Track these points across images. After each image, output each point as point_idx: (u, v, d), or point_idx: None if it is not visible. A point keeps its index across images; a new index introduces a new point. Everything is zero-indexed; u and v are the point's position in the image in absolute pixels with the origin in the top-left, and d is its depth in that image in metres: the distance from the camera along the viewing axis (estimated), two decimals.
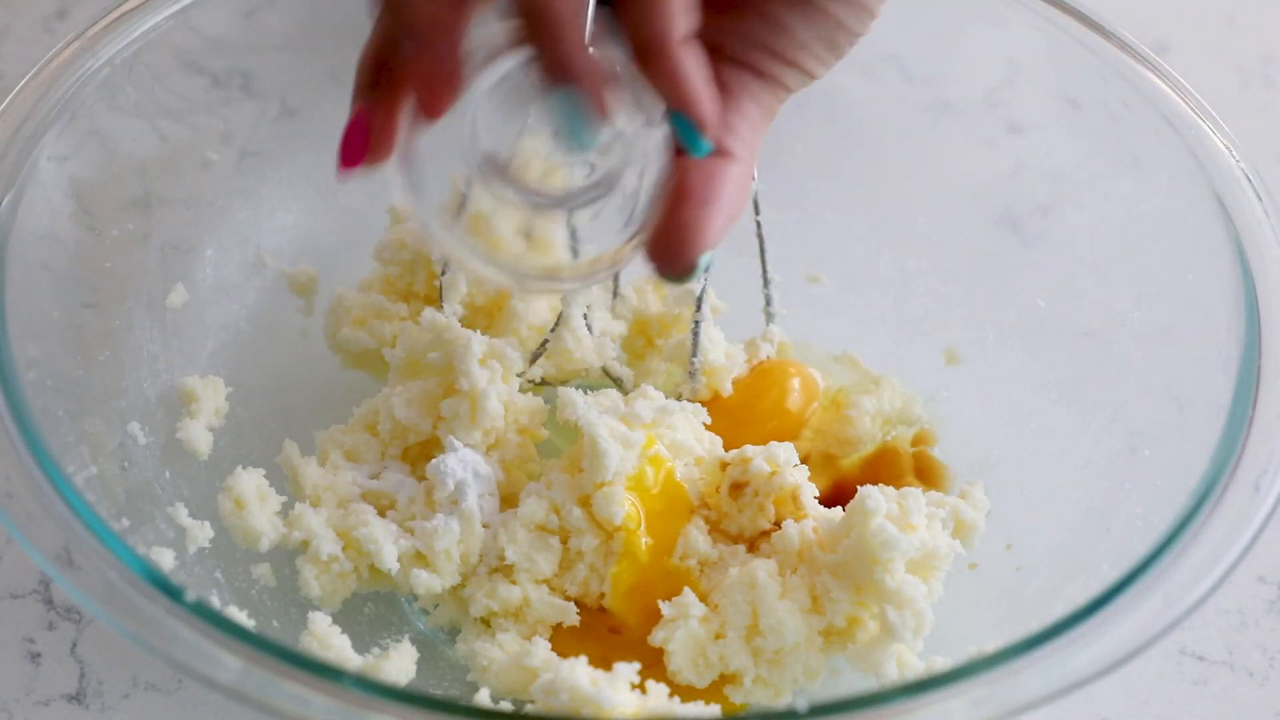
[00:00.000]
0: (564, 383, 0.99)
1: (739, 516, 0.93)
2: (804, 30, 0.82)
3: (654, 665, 0.88)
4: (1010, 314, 1.03)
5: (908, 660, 0.87)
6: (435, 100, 0.78)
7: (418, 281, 1.02)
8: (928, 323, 1.05)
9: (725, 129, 0.81)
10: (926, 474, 0.99)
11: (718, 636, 0.89)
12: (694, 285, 0.98)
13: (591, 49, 0.98)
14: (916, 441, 1.01)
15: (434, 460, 0.93)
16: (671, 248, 0.80)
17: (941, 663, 0.86)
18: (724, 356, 0.99)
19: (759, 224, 1.00)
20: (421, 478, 0.95)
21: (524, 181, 0.83)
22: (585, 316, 0.99)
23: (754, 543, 0.93)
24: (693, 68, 0.78)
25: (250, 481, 0.92)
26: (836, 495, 0.98)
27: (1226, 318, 0.90)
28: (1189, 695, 0.95)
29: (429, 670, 0.90)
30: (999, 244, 1.07)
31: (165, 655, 0.76)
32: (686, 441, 0.94)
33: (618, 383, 1.01)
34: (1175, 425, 0.92)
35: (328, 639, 0.87)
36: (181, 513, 0.90)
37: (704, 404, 0.98)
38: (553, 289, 0.92)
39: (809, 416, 1.01)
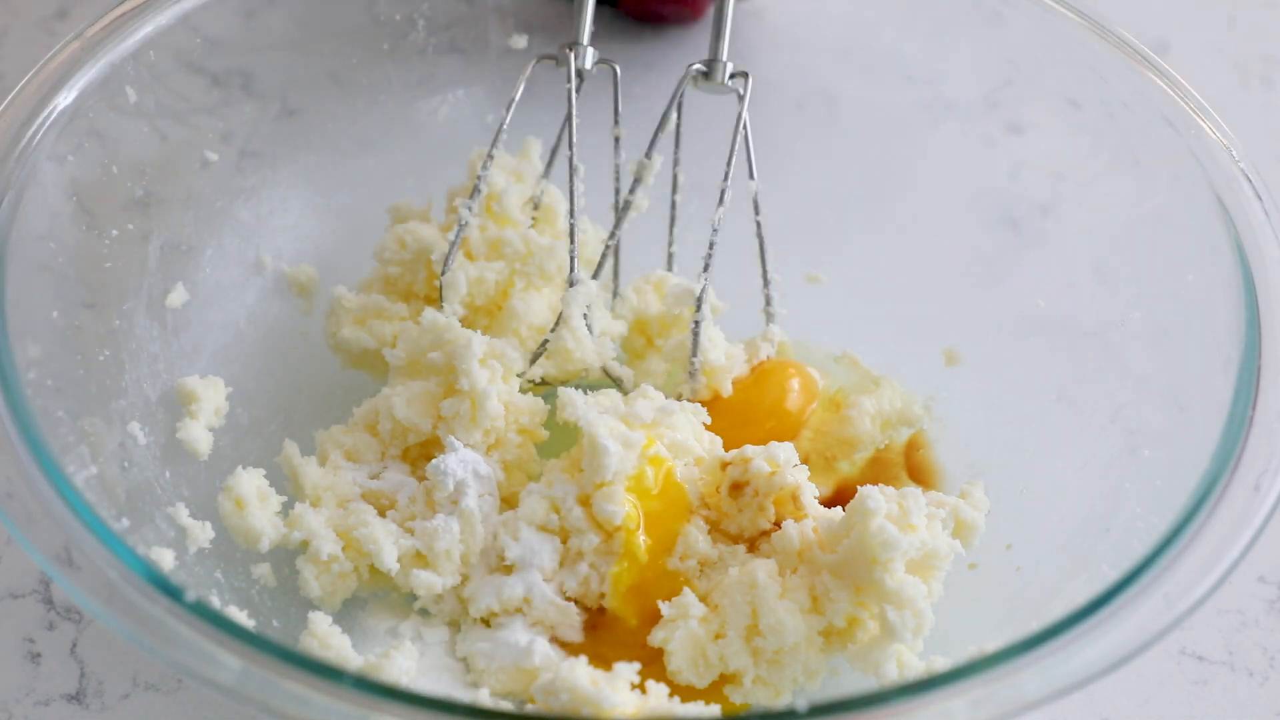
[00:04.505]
0: (564, 383, 0.99)
1: (739, 516, 0.93)
2: None
3: (654, 665, 0.88)
4: (1010, 314, 1.03)
5: (908, 660, 0.87)
6: None
7: (418, 281, 1.02)
8: (928, 323, 1.05)
9: None
10: (921, 479, 0.99)
11: (717, 636, 0.89)
12: (694, 285, 0.98)
13: (589, 48, 0.99)
14: (911, 446, 1.01)
15: (434, 460, 0.93)
16: None
17: (941, 663, 0.86)
18: (724, 356, 0.99)
19: (759, 224, 1.00)
20: (421, 478, 0.95)
21: None
22: (585, 316, 0.99)
23: (754, 543, 0.93)
24: None
25: (250, 481, 0.92)
26: (835, 498, 0.98)
27: (1226, 318, 0.90)
28: (1189, 695, 0.95)
29: (429, 670, 0.90)
30: (999, 244, 1.07)
31: (165, 655, 0.76)
32: (686, 441, 0.94)
33: (618, 383, 1.01)
34: (1175, 425, 0.92)
35: (328, 639, 0.87)
36: (181, 513, 0.90)
37: (704, 404, 0.98)
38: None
39: (809, 416, 1.01)
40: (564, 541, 0.92)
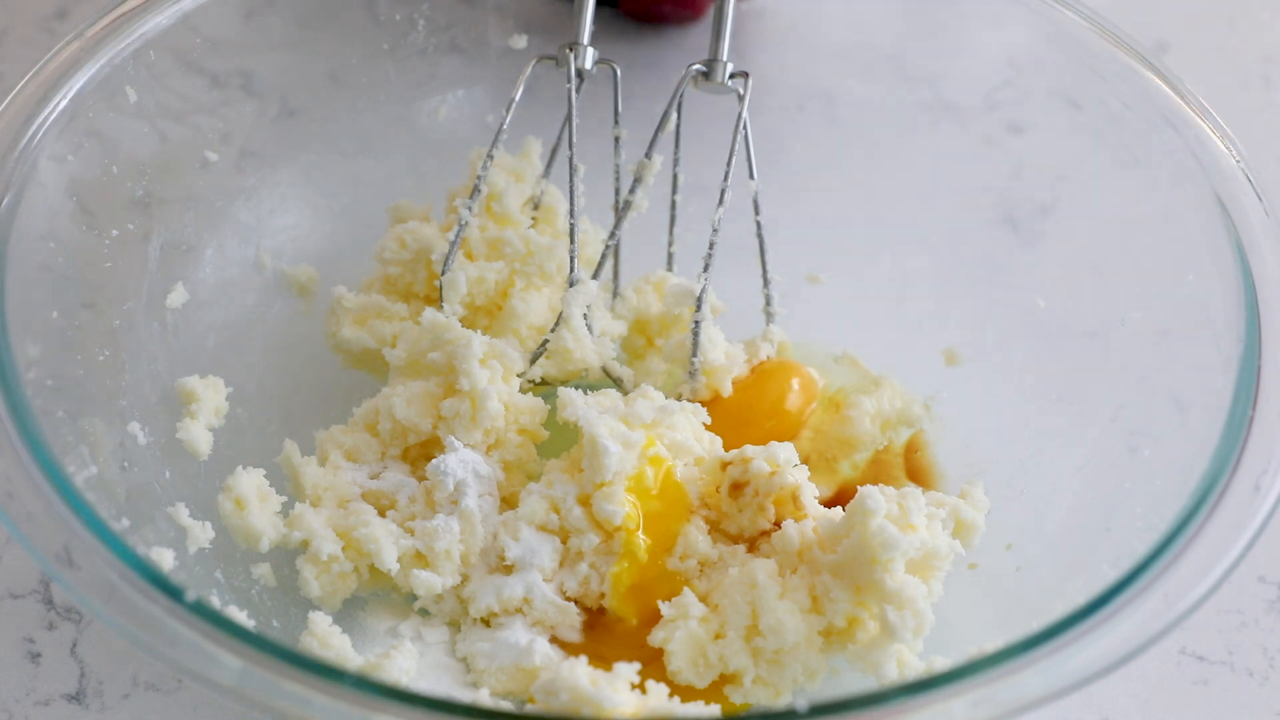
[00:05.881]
0: (564, 383, 0.99)
1: (739, 516, 0.93)
2: None
3: (654, 665, 0.88)
4: (1010, 314, 1.03)
5: (908, 660, 0.87)
6: None
7: (418, 281, 1.02)
8: (928, 323, 1.05)
9: None
10: (920, 481, 0.99)
11: (717, 636, 0.88)
12: (694, 285, 0.98)
13: (589, 48, 0.99)
14: (910, 448, 1.01)
15: (434, 460, 0.93)
16: None
17: (941, 663, 0.86)
18: (724, 356, 0.99)
19: (759, 224, 1.00)
20: (421, 478, 0.95)
21: None
22: (585, 316, 0.99)
23: (754, 543, 0.93)
24: None
25: (250, 481, 0.92)
26: (834, 499, 0.98)
27: (1226, 318, 0.90)
28: (1189, 695, 0.95)
29: (429, 670, 0.90)
30: (999, 244, 1.07)
31: (165, 655, 0.76)
32: (686, 441, 0.94)
33: (618, 383, 1.01)
34: (1175, 425, 0.92)
35: (328, 639, 0.87)
36: (181, 513, 0.90)
37: (704, 404, 0.98)
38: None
39: (808, 417, 1.00)
40: (564, 541, 0.92)
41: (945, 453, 1.00)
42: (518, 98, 0.99)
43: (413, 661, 0.88)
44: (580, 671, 0.83)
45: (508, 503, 0.94)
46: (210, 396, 0.95)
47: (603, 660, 0.86)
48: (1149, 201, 1.00)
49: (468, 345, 0.94)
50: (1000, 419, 1.00)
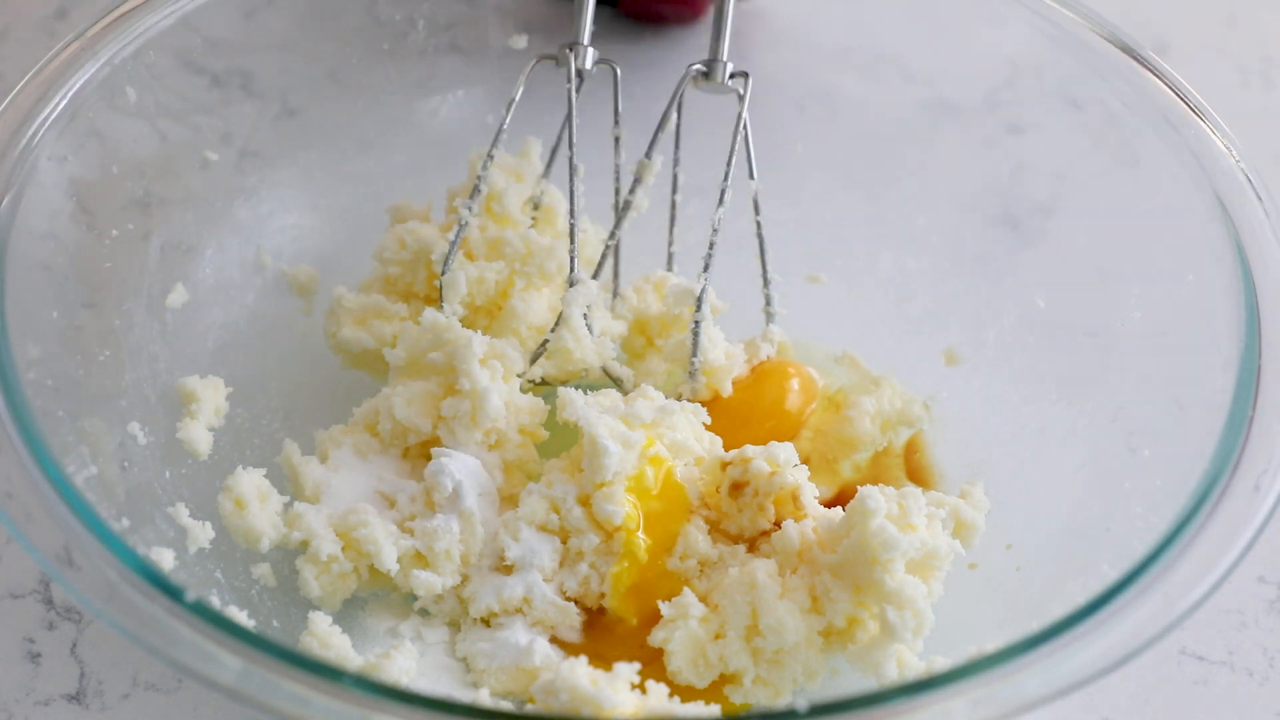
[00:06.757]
0: (564, 383, 0.99)
1: (739, 516, 0.93)
2: None
3: (654, 665, 0.88)
4: (1010, 314, 1.03)
5: (908, 660, 0.87)
6: None
7: (418, 281, 1.02)
8: (928, 323, 1.05)
9: None
10: (919, 482, 0.99)
11: (717, 636, 0.89)
12: (694, 285, 0.98)
13: (589, 48, 0.99)
14: (909, 449, 1.01)
15: (431, 464, 0.93)
16: None
17: (941, 663, 0.86)
18: (724, 356, 0.99)
19: (759, 224, 1.00)
20: (422, 478, 0.95)
21: None
22: (585, 316, 0.99)
23: (754, 543, 0.93)
24: None
25: (250, 481, 0.92)
26: (834, 500, 0.98)
27: (1226, 318, 0.90)
28: (1189, 695, 0.95)
29: (429, 670, 0.90)
30: (999, 244, 1.07)
31: (165, 655, 0.76)
32: (686, 441, 0.94)
33: (618, 383, 1.01)
34: (1175, 425, 0.92)
35: (328, 639, 0.87)
36: (181, 513, 0.90)
37: (704, 404, 0.98)
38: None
39: (808, 417, 1.00)
40: (564, 541, 0.92)
41: (945, 453, 1.00)
42: (518, 98, 0.99)
43: (413, 661, 0.88)
44: (580, 671, 0.83)
45: (508, 503, 0.94)
46: (210, 396, 0.95)
47: (603, 660, 0.86)
48: (1149, 201, 1.00)
49: (468, 345, 0.94)
50: (1000, 419, 1.00)
